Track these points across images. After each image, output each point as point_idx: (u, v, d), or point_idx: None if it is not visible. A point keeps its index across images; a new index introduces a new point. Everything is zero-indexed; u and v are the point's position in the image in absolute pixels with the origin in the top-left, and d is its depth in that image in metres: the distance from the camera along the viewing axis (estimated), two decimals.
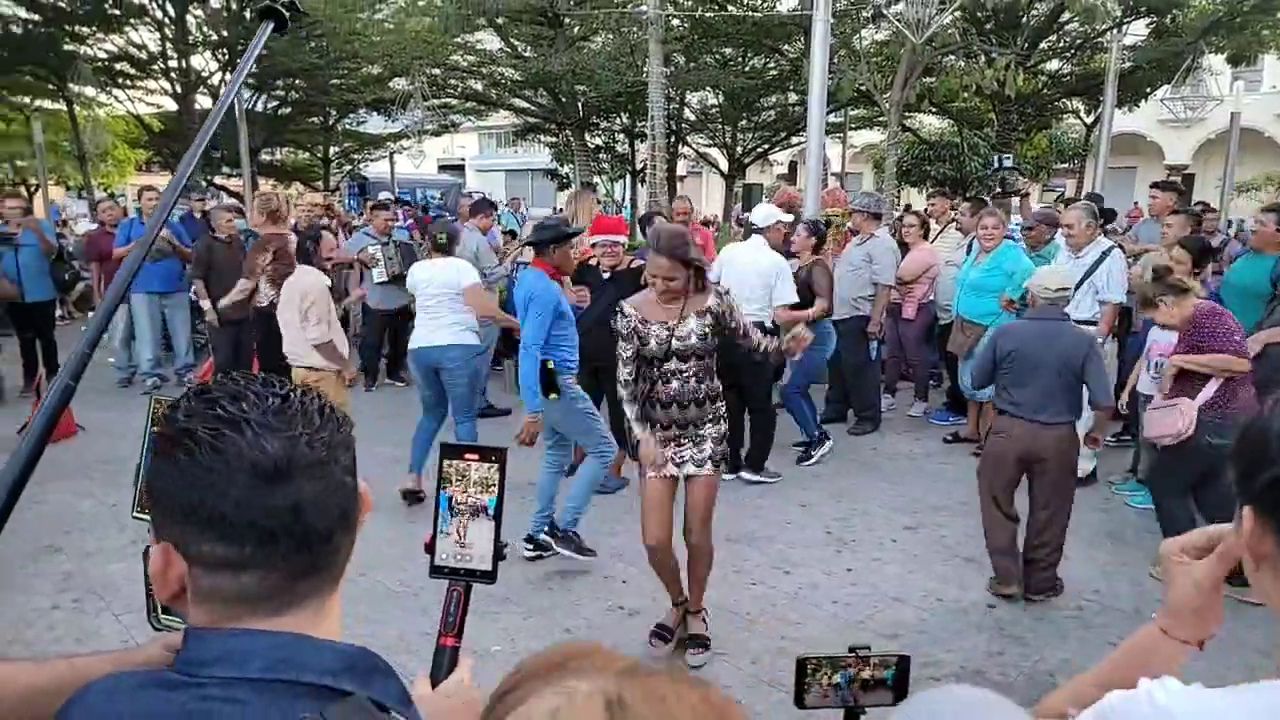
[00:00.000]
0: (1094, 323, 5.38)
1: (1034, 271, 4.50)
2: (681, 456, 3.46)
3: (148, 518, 1.14)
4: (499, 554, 1.12)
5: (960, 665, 3.48)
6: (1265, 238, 5.03)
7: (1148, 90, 15.22)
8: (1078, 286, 5.43)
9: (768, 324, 5.41)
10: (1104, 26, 12.65)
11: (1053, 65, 15.42)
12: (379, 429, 6.16)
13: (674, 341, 3.36)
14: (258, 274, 6.01)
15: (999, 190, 8.29)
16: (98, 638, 3.56)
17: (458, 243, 5.56)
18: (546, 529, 4.37)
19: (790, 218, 6.34)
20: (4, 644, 3.57)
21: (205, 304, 7.09)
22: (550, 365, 4.17)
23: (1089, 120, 17.07)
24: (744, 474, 5.62)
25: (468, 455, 1.13)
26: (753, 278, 5.43)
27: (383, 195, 11.42)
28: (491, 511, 1.11)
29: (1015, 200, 8.53)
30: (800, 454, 6.02)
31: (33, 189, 18.20)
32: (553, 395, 4.18)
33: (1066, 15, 12.88)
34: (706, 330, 3.38)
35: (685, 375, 3.40)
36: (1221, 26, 12.70)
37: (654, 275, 3.33)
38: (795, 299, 5.58)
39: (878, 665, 1.45)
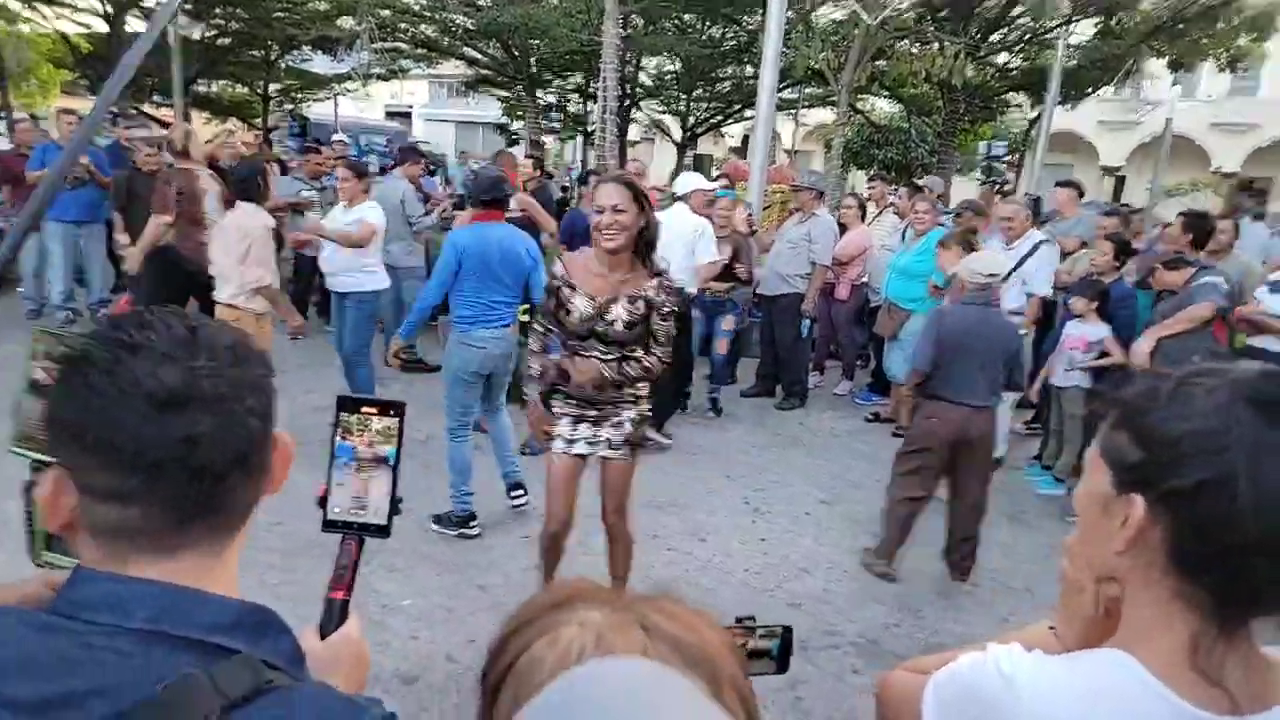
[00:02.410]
0: (1021, 313, 5.56)
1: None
2: (598, 436, 3.16)
3: (25, 452, 1.12)
4: (394, 509, 1.09)
5: (858, 634, 3.62)
6: (1170, 239, 5.30)
7: (1089, 90, 15.62)
8: (1006, 277, 5.60)
9: (691, 289, 5.56)
10: (1053, 23, 12.91)
11: (1001, 58, 15.69)
12: (305, 377, 6.05)
13: (597, 323, 3.01)
14: (171, 210, 5.77)
15: (984, 180, 8.47)
16: None
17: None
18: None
19: (713, 186, 6.43)
20: None
21: (123, 238, 6.80)
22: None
23: (1031, 115, 17.47)
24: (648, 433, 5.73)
25: (365, 409, 1.09)
26: (676, 242, 5.45)
27: (336, 138, 10.97)
28: (391, 463, 1.08)
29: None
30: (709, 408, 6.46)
31: None
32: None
33: (1018, 9, 13.10)
34: (636, 318, 3.00)
35: (606, 359, 3.04)
36: (1164, 31, 13.08)
37: (600, 208, 2.91)
38: (716, 256, 5.77)
39: (763, 635, 1.49)
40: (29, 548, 1.10)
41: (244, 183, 4.86)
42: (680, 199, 5.89)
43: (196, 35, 15.14)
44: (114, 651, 0.69)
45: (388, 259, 5.95)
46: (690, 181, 6.06)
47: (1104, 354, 5.16)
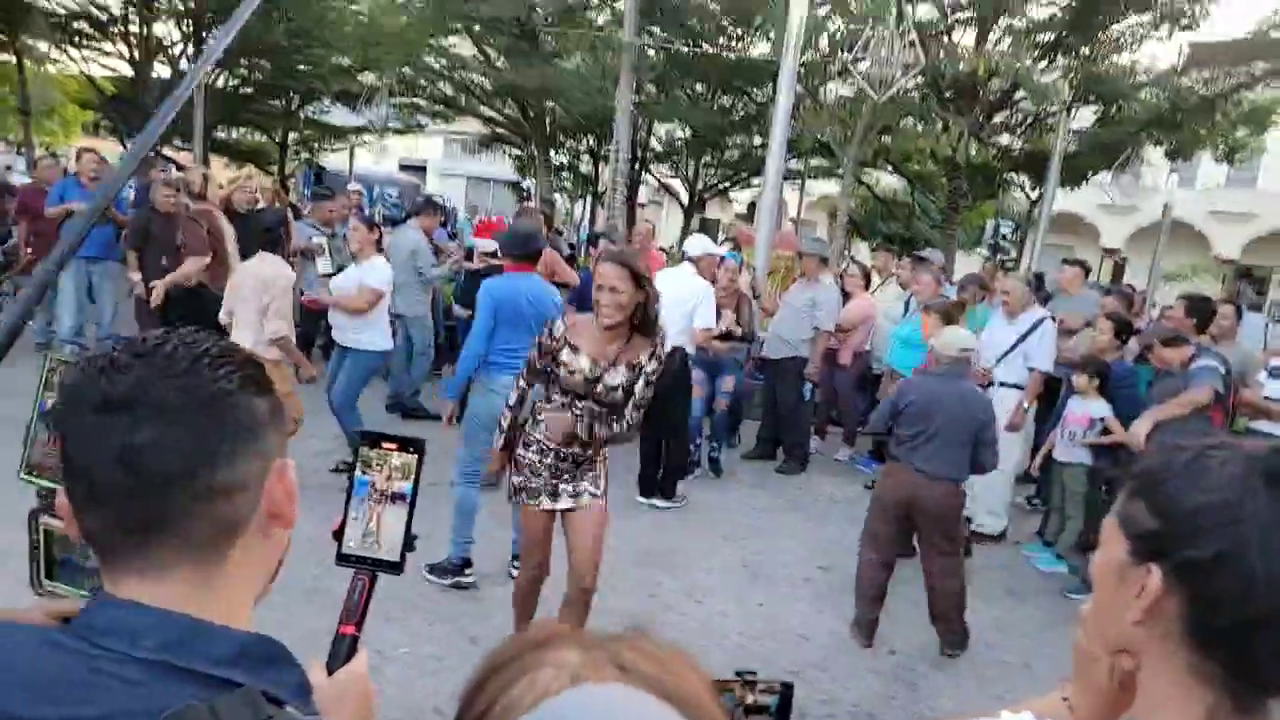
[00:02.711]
0: (1022, 387, 5.61)
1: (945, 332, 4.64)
2: (579, 489, 3.19)
3: (35, 480, 1.12)
4: (409, 545, 1.10)
5: (854, 705, 3.56)
6: (1175, 322, 5.34)
7: (1089, 174, 15.93)
8: (1008, 352, 5.67)
9: (688, 349, 5.61)
10: (1053, 108, 13.25)
11: (1004, 139, 16.06)
12: (306, 421, 6.04)
13: (599, 386, 3.07)
14: (207, 250, 5.86)
15: (989, 255, 8.56)
16: None
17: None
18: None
19: (722, 251, 6.54)
20: None
21: (135, 275, 6.87)
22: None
23: (1033, 196, 17.80)
24: (656, 501, 5.64)
25: (386, 444, 1.10)
26: (675, 306, 5.49)
27: (352, 187, 11.12)
28: (406, 501, 1.09)
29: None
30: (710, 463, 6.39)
31: None
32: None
33: (1020, 93, 13.47)
34: (632, 385, 3.09)
35: (598, 417, 3.12)
36: (1163, 122, 13.41)
37: (599, 286, 3.03)
38: (713, 323, 5.82)
39: (763, 691, 1.47)
40: (31, 576, 1.10)
41: (269, 232, 4.85)
42: (689, 260, 5.98)
43: (220, 83, 15.53)
44: (121, 679, 0.69)
45: (394, 308, 6.01)
46: (701, 245, 6.19)
47: (1106, 431, 5.18)
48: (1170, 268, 19.70)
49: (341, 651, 1.04)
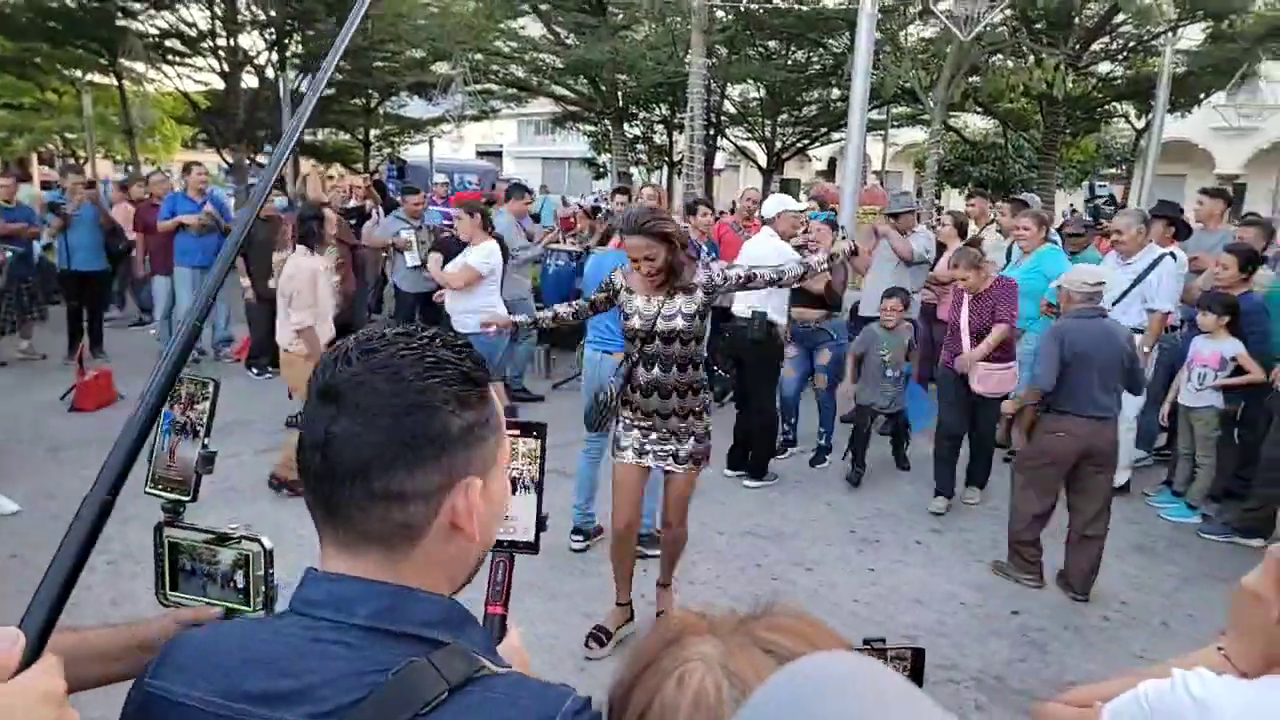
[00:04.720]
0: (1141, 330, 5.26)
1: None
2: (664, 450, 3.35)
3: (159, 493, 1.16)
4: (541, 525, 1.13)
5: (979, 670, 3.45)
6: None
7: (1201, 96, 14.84)
8: (1125, 294, 5.33)
9: (776, 318, 5.40)
10: (1159, 29, 12.35)
11: (1103, 67, 15.09)
12: None
13: (660, 321, 3.22)
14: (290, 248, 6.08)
15: (1089, 221, 7.99)
16: (132, 599, 3.65)
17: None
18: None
19: (802, 208, 6.32)
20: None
21: (244, 280, 7.20)
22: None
23: (1139, 125, 16.70)
24: (746, 481, 5.49)
25: (509, 432, 1.13)
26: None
27: (438, 179, 11.42)
28: (535, 484, 1.12)
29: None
30: (813, 455, 5.96)
31: (81, 161, 18.61)
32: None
33: (1120, 16, 12.60)
34: (695, 310, 3.22)
35: (668, 361, 3.24)
36: None
37: (633, 259, 3.22)
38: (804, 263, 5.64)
39: (893, 659, 1.43)
40: (156, 587, 1.13)
41: (303, 225, 4.93)
42: (767, 222, 5.80)
43: (305, 88, 16.07)
44: (343, 645, 0.76)
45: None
46: (778, 203, 5.93)
47: (1238, 370, 4.84)
48: None
49: (493, 630, 1.09)
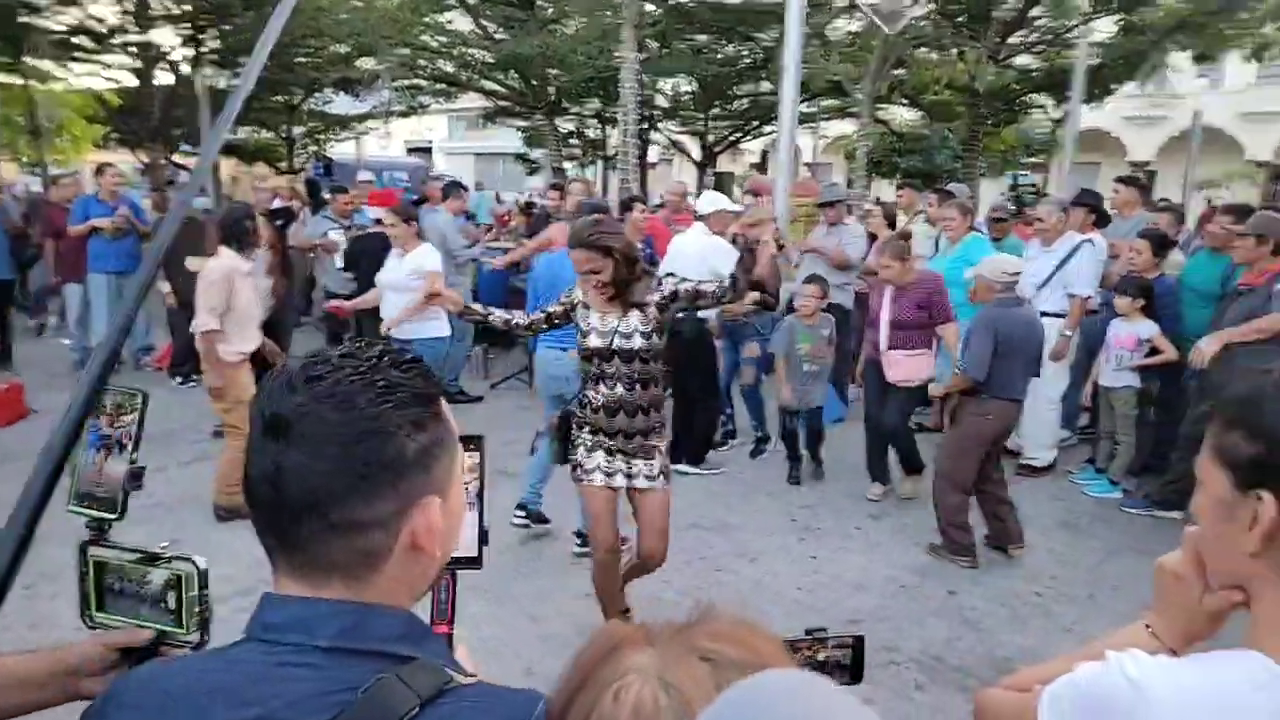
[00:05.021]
0: (1063, 315, 5.45)
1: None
2: (632, 469, 3.27)
3: (83, 510, 1.10)
4: (484, 539, 1.11)
5: (920, 651, 3.53)
6: (1220, 238, 5.10)
7: (1113, 87, 15.43)
8: (1047, 280, 5.51)
9: (709, 317, 5.48)
10: (1073, 21, 12.80)
11: (1022, 60, 15.57)
12: None
13: (617, 339, 3.15)
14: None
15: (1012, 210, 8.13)
16: (51, 622, 3.47)
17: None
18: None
19: (737, 208, 6.37)
20: None
21: (165, 286, 6.93)
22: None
23: (1056, 116, 17.28)
24: (683, 467, 5.49)
25: None
26: (696, 262, 5.39)
27: (362, 175, 11.14)
28: (476, 497, 1.09)
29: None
30: (753, 448, 6.02)
31: None
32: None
33: (1037, 9, 13.01)
34: (651, 329, 3.16)
35: (630, 380, 3.18)
36: (1187, 26, 12.90)
37: (579, 272, 3.16)
38: (725, 271, 5.67)
39: (836, 646, 1.45)
40: (81, 608, 1.08)
41: (235, 225, 4.70)
42: (700, 218, 5.84)
43: (222, 84, 15.52)
44: (307, 666, 0.74)
45: None
46: (712, 201, 6.00)
47: (1154, 351, 5.05)
48: (1202, 176, 19.10)
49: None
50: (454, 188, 7.72)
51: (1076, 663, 0.93)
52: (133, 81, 15.26)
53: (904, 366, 4.95)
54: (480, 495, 1.09)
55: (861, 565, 4.35)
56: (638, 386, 3.19)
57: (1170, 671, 0.83)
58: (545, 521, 4.54)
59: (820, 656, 1.44)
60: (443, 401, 0.85)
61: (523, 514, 4.52)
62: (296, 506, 0.76)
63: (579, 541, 4.30)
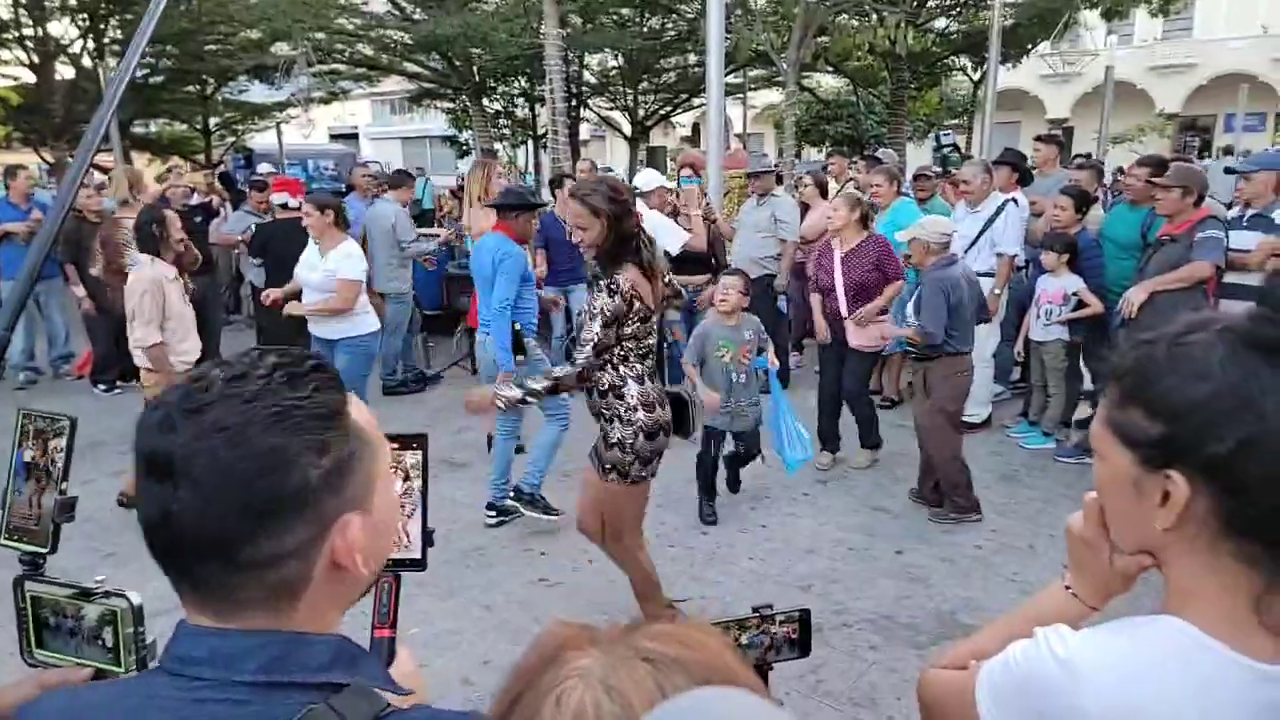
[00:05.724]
0: (992, 274, 5.58)
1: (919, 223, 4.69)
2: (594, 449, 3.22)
3: (16, 545, 1.05)
4: (428, 540, 1.08)
5: (872, 611, 3.61)
6: (1138, 191, 5.27)
7: (1029, 46, 15.80)
8: (975, 241, 5.63)
9: None
10: None
11: (940, 23, 15.82)
12: None
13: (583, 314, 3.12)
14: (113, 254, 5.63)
15: (939, 170, 8.23)
16: None
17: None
18: (512, 494, 4.41)
19: (671, 184, 6.41)
20: None
21: (79, 290, 6.63)
22: (518, 327, 4.20)
23: (975, 77, 17.65)
24: None
25: (390, 445, 1.06)
26: None
27: (262, 167, 10.78)
28: (419, 496, 1.06)
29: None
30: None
31: None
32: (519, 357, 4.21)
33: None
34: (599, 311, 2.95)
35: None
36: None
37: (571, 225, 3.12)
38: (680, 239, 5.77)
39: (783, 622, 1.47)
40: (21, 646, 1.04)
41: (139, 232, 4.46)
42: (640, 195, 5.84)
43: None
44: (229, 703, 0.70)
45: (377, 285, 5.86)
46: (652, 179, 6.04)
47: (1080, 304, 5.21)
48: (1116, 130, 19.75)
49: (382, 655, 1.04)
50: (403, 175, 7.54)
51: (1007, 629, 0.96)
52: (31, 77, 14.47)
53: (867, 331, 5.04)
54: (424, 495, 1.06)
55: (812, 530, 4.42)
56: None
57: (1094, 644, 0.84)
58: (554, 513, 4.36)
59: (769, 633, 1.46)
60: (350, 407, 0.78)
61: (494, 513, 4.44)
62: (197, 551, 0.71)
63: (491, 513, 4.42)
